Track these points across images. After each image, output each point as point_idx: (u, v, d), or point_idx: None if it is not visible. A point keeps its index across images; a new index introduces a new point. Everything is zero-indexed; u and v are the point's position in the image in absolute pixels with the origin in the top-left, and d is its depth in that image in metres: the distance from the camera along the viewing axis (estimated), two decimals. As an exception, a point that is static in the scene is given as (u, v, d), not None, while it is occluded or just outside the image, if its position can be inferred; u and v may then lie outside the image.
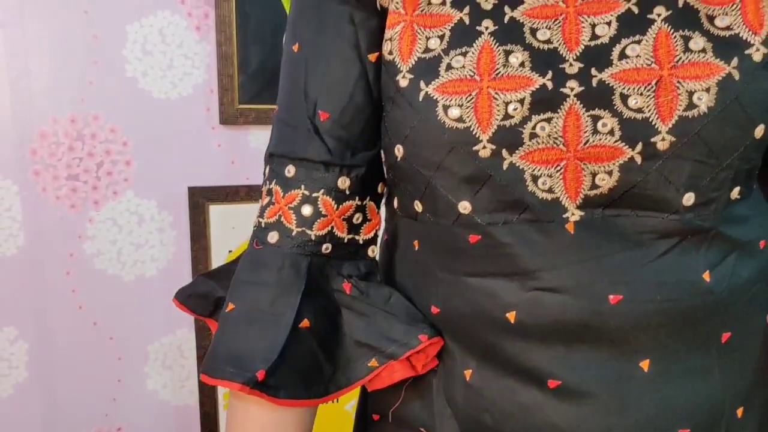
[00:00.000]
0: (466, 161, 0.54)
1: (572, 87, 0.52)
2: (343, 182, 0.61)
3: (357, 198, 0.62)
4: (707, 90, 0.51)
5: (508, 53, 0.53)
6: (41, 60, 1.33)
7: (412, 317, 0.61)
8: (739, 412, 0.58)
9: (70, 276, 1.41)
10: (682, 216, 0.53)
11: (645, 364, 0.54)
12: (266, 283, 0.60)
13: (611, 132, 0.52)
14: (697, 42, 0.52)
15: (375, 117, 0.61)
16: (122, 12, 1.36)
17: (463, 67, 0.54)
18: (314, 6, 0.61)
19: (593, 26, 0.53)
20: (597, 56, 0.53)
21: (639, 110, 0.51)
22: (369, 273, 0.64)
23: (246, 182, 1.48)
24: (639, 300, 0.53)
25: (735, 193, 0.55)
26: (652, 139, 0.51)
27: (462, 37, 0.55)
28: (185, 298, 0.68)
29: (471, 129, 0.53)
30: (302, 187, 0.61)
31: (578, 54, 0.53)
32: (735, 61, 0.51)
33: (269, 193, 0.63)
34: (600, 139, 0.52)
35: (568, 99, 0.52)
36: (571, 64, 0.53)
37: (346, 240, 0.63)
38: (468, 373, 0.59)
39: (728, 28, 0.52)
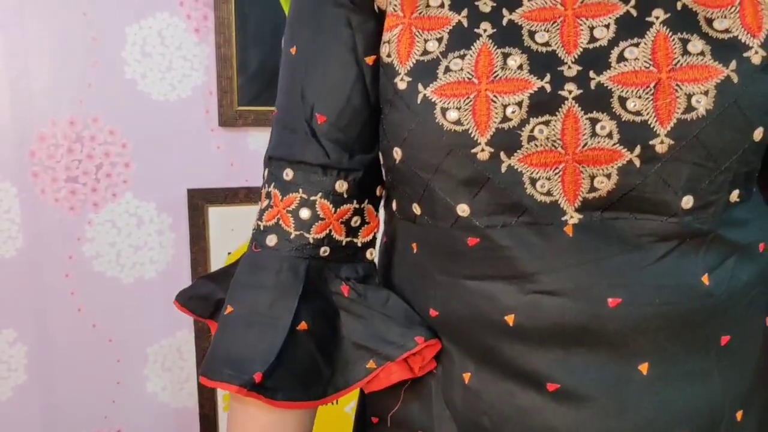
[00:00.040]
0: (465, 164, 0.54)
1: (570, 90, 0.52)
2: (341, 186, 0.61)
3: (355, 201, 0.62)
4: (706, 93, 0.50)
5: (506, 56, 0.53)
6: (40, 62, 1.33)
7: (410, 320, 0.61)
8: (739, 415, 0.58)
9: (69, 278, 1.41)
10: (681, 219, 0.53)
11: (644, 368, 0.54)
12: (264, 286, 0.60)
13: (610, 135, 0.52)
14: (696, 45, 0.52)
15: (372, 120, 0.61)
16: (121, 14, 1.36)
17: (462, 69, 0.54)
18: (311, 9, 0.61)
19: (591, 29, 0.53)
20: (595, 59, 0.53)
21: (637, 113, 0.51)
22: (367, 276, 0.64)
23: (245, 184, 1.48)
24: (638, 303, 0.53)
25: (734, 196, 0.55)
26: (651, 142, 0.51)
27: (460, 39, 0.55)
28: (186, 300, 0.68)
29: (469, 132, 0.53)
30: (300, 190, 0.61)
31: (577, 57, 0.53)
32: (733, 64, 0.51)
33: (268, 196, 0.63)
34: (598, 142, 0.52)
35: (566, 102, 0.52)
36: (569, 67, 0.53)
37: (344, 243, 0.63)
38: (467, 375, 0.59)
39: (727, 30, 0.52)
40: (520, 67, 0.53)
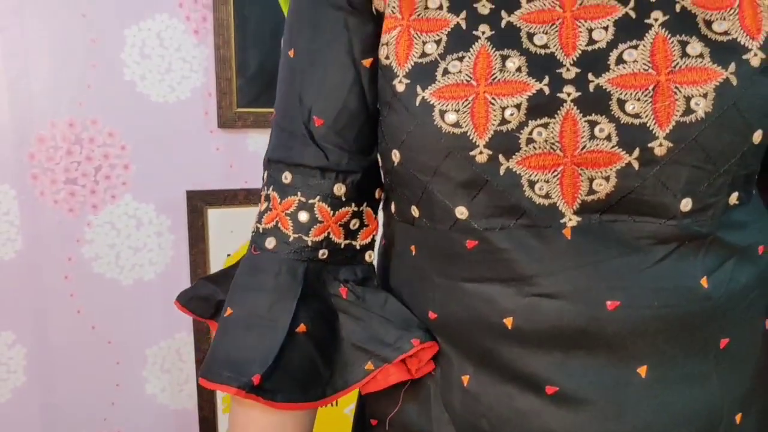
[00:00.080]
0: (463, 166, 0.54)
1: (569, 92, 0.52)
2: (339, 189, 0.61)
3: (353, 204, 0.62)
4: (705, 95, 0.50)
5: (504, 58, 0.53)
6: (39, 63, 1.33)
7: (407, 322, 0.61)
8: (738, 418, 0.58)
9: (69, 280, 1.41)
10: (680, 222, 0.53)
11: (642, 370, 0.54)
12: (263, 288, 0.60)
13: (608, 137, 0.52)
14: (695, 47, 0.51)
15: (370, 123, 0.61)
16: (120, 15, 1.36)
17: (460, 72, 0.54)
18: (310, 11, 0.61)
19: (590, 31, 0.53)
20: (594, 61, 0.52)
21: (636, 115, 0.51)
22: (366, 278, 0.65)
23: (244, 186, 1.48)
24: (636, 306, 0.53)
25: (733, 198, 0.55)
26: (650, 145, 0.51)
27: (459, 41, 0.55)
28: (187, 301, 0.69)
29: (468, 134, 0.53)
30: (299, 193, 0.61)
31: (575, 59, 0.53)
32: (732, 67, 0.51)
33: (267, 198, 0.63)
34: (597, 145, 0.52)
35: (565, 104, 0.52)
36: (568, 69, 0.53)
37: (342, 245, 0.63)
38: (465, 378, 0.59)
39: (726, 33, 0.52)
40: (519, 69, 0.53)
